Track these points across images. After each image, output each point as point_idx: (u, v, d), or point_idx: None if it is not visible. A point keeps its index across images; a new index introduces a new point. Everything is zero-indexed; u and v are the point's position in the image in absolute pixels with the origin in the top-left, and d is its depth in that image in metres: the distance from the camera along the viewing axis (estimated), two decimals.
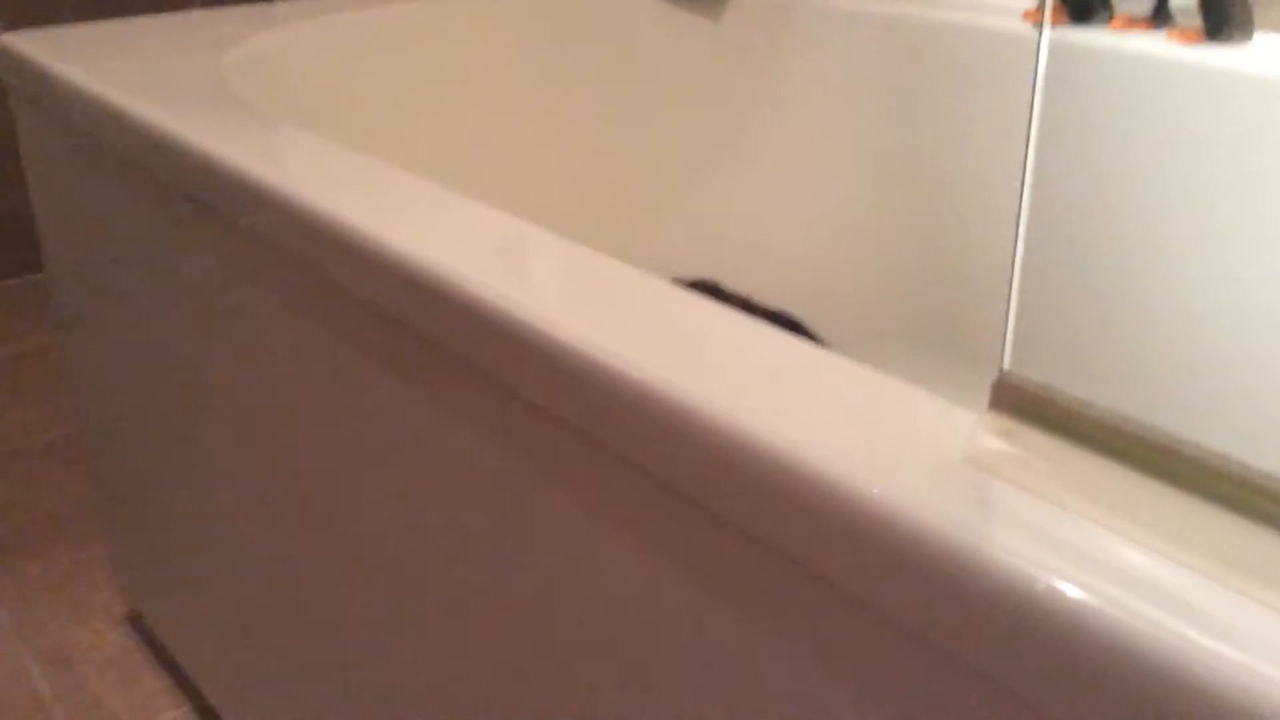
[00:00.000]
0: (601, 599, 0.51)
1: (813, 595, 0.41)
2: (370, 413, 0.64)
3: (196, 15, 1.07)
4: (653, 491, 0.46)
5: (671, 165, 1.26)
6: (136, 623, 1.21)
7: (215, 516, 0.89)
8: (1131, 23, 0.96)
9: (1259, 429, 0.69)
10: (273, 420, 0.75)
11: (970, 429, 0.39)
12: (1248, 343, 0.76)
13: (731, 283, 1.12)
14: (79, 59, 0.90)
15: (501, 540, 0.56)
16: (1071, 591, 0.32)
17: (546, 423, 0.51)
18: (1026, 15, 1.03)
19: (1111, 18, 0.96)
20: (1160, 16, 0.95)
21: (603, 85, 1.23)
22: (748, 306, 1.05)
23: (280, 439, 0.75)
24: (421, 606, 0.65)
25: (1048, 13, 0.98)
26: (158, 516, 1.01)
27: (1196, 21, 0.92)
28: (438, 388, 0.58)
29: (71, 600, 1.25)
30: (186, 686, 1.11)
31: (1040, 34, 0.94)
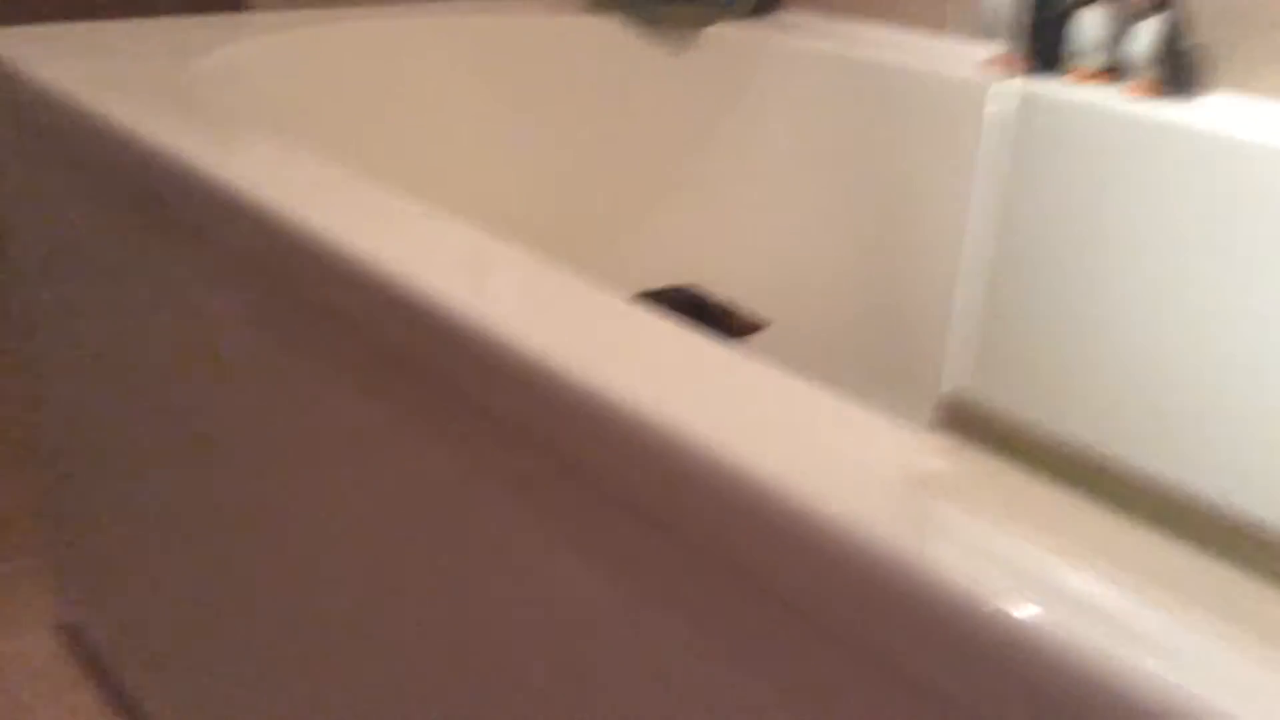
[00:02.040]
0: (553, 610, 0.51)
1: (755, 606, 0.41)
2: (327, 421, 0.64)
3: (165, 22, 1.07)
4: (601, 501, 0.46)
5: (641, 185, 1.27)
6: (69, 635, 1.18)
7: (166, 525, 0.88)
8: (1090, 75, 0.98)
9: (1201, 454, 0.71)
10: (229, 427, 0.75)
11: (914, 448, 0.39)
12: (1191, 371, 0.78)
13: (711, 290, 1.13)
14: (44, 59, 0.90)
15: (457, 549, 0.56)
16: (1010, 608, 0.33)
17: (505, 434, 0.51)
18: (984, 66, 1.05)
19: (1071, 69, 0.98)
20: (1118, 70, 0.97)
21: (572, 106, 1.24)
22: (726, 312, 1.06)
23: (236, 446, 0.74)
24: (376, 618, 0.64)
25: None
26: (108, 526, 0.99)
27: (1153, 75, 0.94)
28: (396, 396, 0.57)
29: (2, 608, 1.22)
30: (119, 701, 1.09)
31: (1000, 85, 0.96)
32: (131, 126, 0.75)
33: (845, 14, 1.21)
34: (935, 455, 0.39)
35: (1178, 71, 0.94)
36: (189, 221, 0.72)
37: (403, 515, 0.59)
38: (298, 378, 0.65)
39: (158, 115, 0.77)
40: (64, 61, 0.90)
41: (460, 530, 0.55)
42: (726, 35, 1.22)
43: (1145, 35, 0.93)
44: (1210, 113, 0.90)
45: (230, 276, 0.69)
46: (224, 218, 0.66)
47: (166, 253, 0.76)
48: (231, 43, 1.01)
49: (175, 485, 0.84)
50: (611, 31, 1.25)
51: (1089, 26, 0.96)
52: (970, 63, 1.06)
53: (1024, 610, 0.32)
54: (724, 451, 0.40)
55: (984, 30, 1.03)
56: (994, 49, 1.05)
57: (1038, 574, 0.34)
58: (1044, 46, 0.99)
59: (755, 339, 1.08)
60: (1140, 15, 0.94)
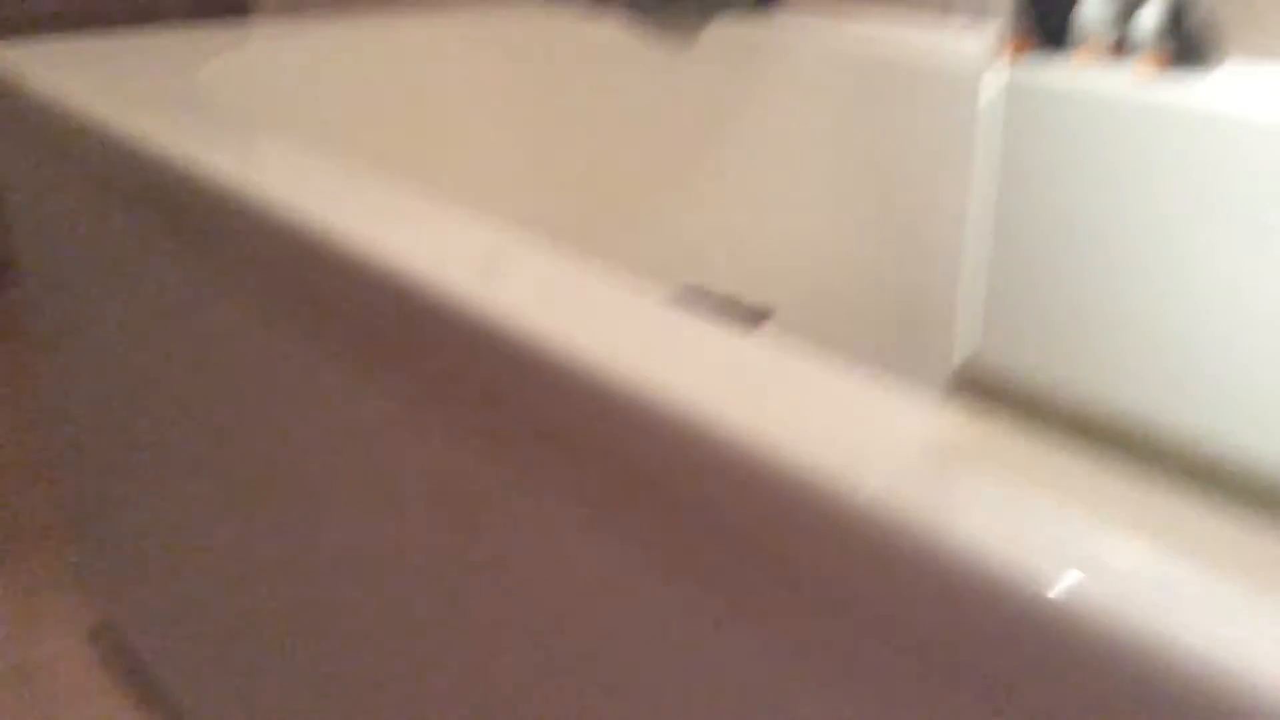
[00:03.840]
0: (575, 595, 0.51)
1: (777, 583, 0.41)
2: (342, 417, 0.64)
3: (171, 33, 1.08)
4: (622, 482, 0.46)
5: (645, 183, 1.27)
6: (101, 638, 1.19)
7: (192, 524, 0.88)
8: (1097, 52, 0.97)
9: (1226, 416, 0.70)
10: (246, 426, 0.75)
11: (932, 415, 0.39)
12: (1210, 337, 0.77)
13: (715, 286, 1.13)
14: (51, 73, 0.90)
15: (479, 543, 0.56)
16: (1040, 578, 0.33)
17: (523, 426, 0.51)
18: (992, 48, 1.04)
19: (1079, 47, 0.98)
20: (1126, 44, 0.97)
21: (574, 106, 1.24)
22: (731, 303, 1.07)
23: (255, 445, 0.75)
24: (405, 610, 0.64)
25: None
26: (133, 525, 1.00)
27: (1162, 49, 0.93)
28: (413, 395, 0.57)
29: (33, 614, 1.23)
30: (155, 700, 1.10)
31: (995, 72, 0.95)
32: (141, 135, 0.75)
33: (848, 4, 1.21)
34: (952, 425, 0.39)
35: (1186, 44, 0.93)
36: (202, 227, 0.72)
37: (425, 508, 0.59)
38: (316, 377, 0.65)
39: (167, 123, 0.77)
40: (71, 74, 0.90)
41: (490, 526, 0.55)
42: (728, 32, 1.22)
43: (1153, 8, 0.92)
44: (1208, 89, 0.90)
45: (245, 280, 0.69)
46: (238, 222, 0.66)
47: (180, 259, 0.76)
48: (238, 49, 1.01)
49: (199, 484, 0.84)
50: (612, 31, 1.25)
51: (1095, 3, 0.96)
52: (975, 46, 1.06)
53: (1059, 582, 0.32)
54: (742, 431, 0.40)
55: (988, 11, 1.03)
56: (1000, 30, 1.04)
57: (1071, 542, 0.33)
58: (1051, 25, 0.98)
59: (764, 327, 1.08)
60: None
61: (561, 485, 0.50)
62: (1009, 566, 0.33)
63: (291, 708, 0.80)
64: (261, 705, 0.85)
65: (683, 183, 1.27)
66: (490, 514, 0.54)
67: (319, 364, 0.64)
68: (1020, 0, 1.00)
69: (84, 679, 1.14)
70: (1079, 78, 0.90)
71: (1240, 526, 0.34)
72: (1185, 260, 0.79)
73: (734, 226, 1.24)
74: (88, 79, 0.89)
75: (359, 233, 0.58)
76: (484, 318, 0.50)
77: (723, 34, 1.22)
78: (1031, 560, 0.32)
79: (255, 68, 1.02)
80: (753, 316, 1.08)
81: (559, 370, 0.46)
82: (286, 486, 0.71)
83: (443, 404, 0.55)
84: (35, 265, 1.02)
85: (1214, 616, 0.30)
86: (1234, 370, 0.72)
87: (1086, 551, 0.33)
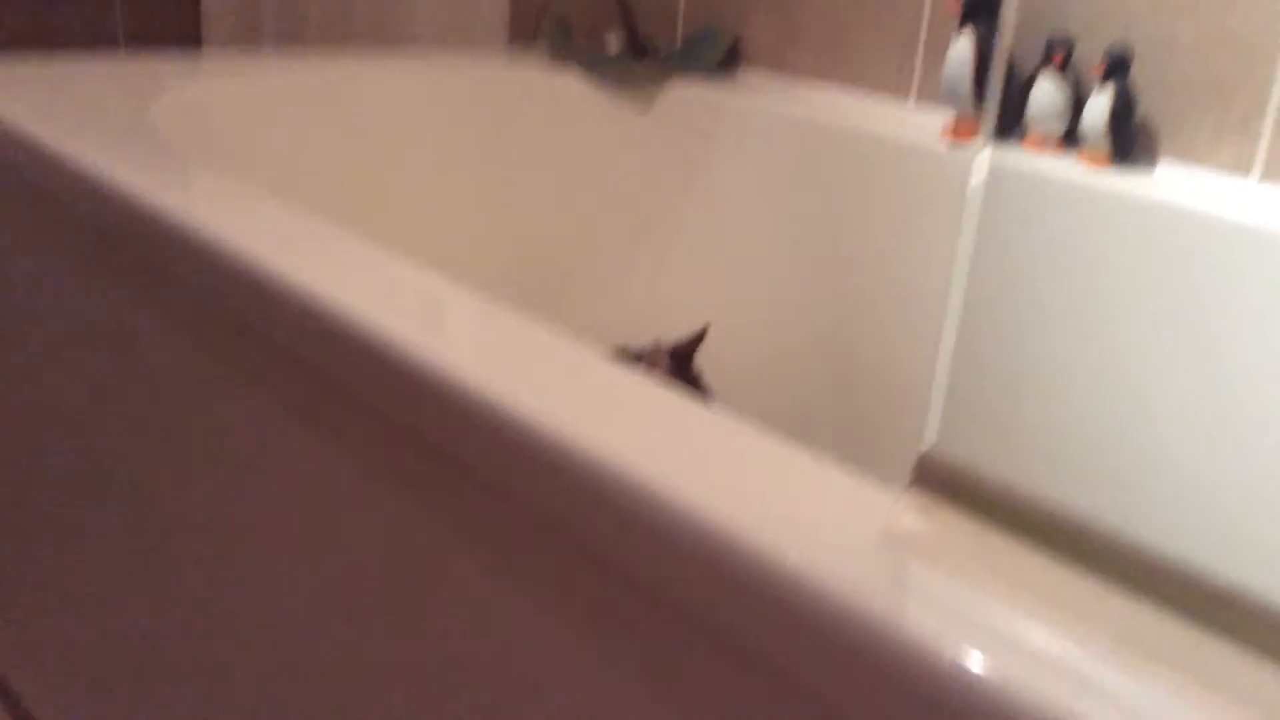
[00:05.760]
0: (520, 667, 0.50)
1: (722, 659, 0.40)
2: (273, 458, 0.62)
3: (123, 60, 1.06)
4: (558, 550, 0.45)
5: (601, 241, 1.27)
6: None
7: (93, 565, 0.85)
8: (1044, 143, 1.00)
9: (1178, 520, 0.72)
10: (171, 458, 0.73)
11: (890, 506, 0.39)
12: (1155, 431, 0.79)
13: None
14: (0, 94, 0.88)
15: (401, 588, 0.55)
16: (979, 667, 0.33)
17: (474, 487, 0.50)
18: (943, 133, 1.07)
19: (1025, 136, 1.00)
20: (1071, 139, 1.00)
21: (531, 159, 1.24)
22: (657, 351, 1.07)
23: (177, 477, 0.73)
24: (310, 651, 0.63)
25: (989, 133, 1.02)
26: (28, 550, 0.96)
27: (1105, 147, 0.96)
28: (342, 434, 0.56)
29: None
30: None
31: (981, 152, 0.98)
32: (89, 164, 0.73)
33: (807, 76, 1.23)
34: (908, 513, 0.39)
35: (1124, 142, 0.96)
36: (141, 259, 0.70)
37: (354, 551, 0.57)
38: (244, 414, 0.63)
39: (115, 154, 0.76)
40: (18, 96, 0.88)
41: (417, 571, 0.54)
42: (688, 95, 1.23)
43: (1098, 105, 0.95)
44: (1158, 183, 0.92)
45: (183, 315, 0.68)
46: (178, 256, 0.65)
47: (116, 290, 0.74)
48: (190, 82, 1.00)
49: (105, 519, 0.81)
50: (571, 85, 1.25)
51: (1045, 95, 0.98)
52: (929, 131, 1.08)
53: (984, 665, 0.32)
54: (697, 504, 0.40)
55: (944, 97, 1.05)
56: (953, 115, 1.06)
57: (1002, 630, 0.34)
58: (1005, 113, 1.01)
59: (723, 400, 1.08)
60: (1093, 85, 0.96)
61: (507, 548, 0.49)
62: (934, 645, 0.33)
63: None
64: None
65: (637, 243, 1.27)
66: (439, 574, 0.53)
67: (254, 400, 0.63)
68: (976, 89, 1.03)
69: None
70: (1050, 166, 0.92)
71: (1171, 624, 0.34)
72: (1141, 362, 0.81)
73: (690, 290, 1.25)
74: (36, 102, 0.87)
75: (296, 270, 0.57)
76: (424, 364, 0.49)
77: (682, 96, 1.24)
78: (964, 644, 0.32)
79: (207, 100, 1.00)
80: (692, 340, 1.09)
81: (506, 429, 0.46)
82: (210, 522, 0.69)
83: (378, 443, 0.54)
84: None
85: (1132, 708, 0.30)
86: (1166, 467, 0.74)
87: (1011, 637, 0.33)
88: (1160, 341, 0.82)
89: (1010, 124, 1.01)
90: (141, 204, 0.67)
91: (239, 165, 0.99)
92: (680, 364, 1.05)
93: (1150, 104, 0.97)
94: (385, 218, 1.12)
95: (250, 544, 0.66)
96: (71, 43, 2.01)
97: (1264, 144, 0.91)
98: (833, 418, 1.11)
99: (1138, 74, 0.97)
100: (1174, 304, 0.83)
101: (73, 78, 0.97)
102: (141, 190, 0.68)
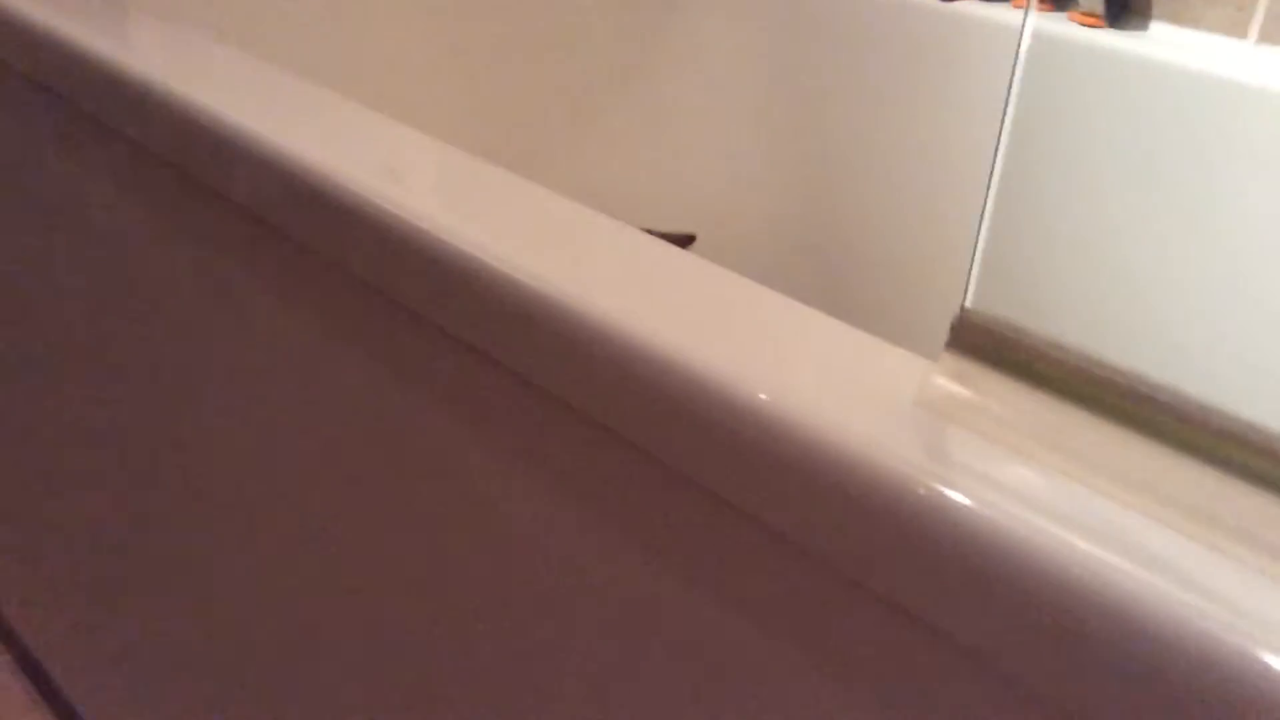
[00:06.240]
0: (525, 544, 0.49)
1: (752, 540, 0.39)
2: (246, 327, 0.60)
3: None
4: (588, 434, 0.44)
5: (570, 106, 1.23)
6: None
7: (73, 457, 0.83)
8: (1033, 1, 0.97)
9: (1227, 380, 0.73)
10: (143, 337, 0.70)
11: (925, 372, 0.38)
12: (1181, 284, 0.79)
13: (628, 217, 1.10)
14: None
15: (379, 458, 0.54)
16: (1026, 539, 0.32)
17: (446, 343, 0.48)
18: None
19: None
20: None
21: (505, 22, 1.19)
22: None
23: (150, 357, 0.70)
24: (294, 538, 0.62)
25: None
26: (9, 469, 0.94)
27: (1098, 6, 0.94)
28: (316, 299, 0.54)
29: None
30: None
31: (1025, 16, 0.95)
32: (44, 19, 0.68)
33: None
34: (949, 378, 0.38)
35: (1122, 4, 0.94)
36: (95, 116, 0.66)
37: (335, 428, 0.56)
38: (214, 282, 0.61)
39: (72, 8, 0.71)
40: None
41: (394, 438, 0.52)
42: None
43: None
44: (1154, 43, 0.90)
45: (140, 177, 0.64)
46: (136, 109, 0.61)
47: (72, 156, 0.70)
48: None
49: (83, 406, 0.79)
50: None
51: None
52: None
53: (1038, 541, 0.31)
54: (724, 376, 0.38)
55: None
56: None
57: (1055, 502, 0.33)
58: None
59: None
60: None
61: (512, 420, 0.47)
62: (983, 520, 0.32)
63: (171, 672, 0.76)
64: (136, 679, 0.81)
65: (616, 110, 1.23)
66: (411, 430, 0.52)
67: (225, 267, 0.60)
68: None
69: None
70: (1042, 24, 0.90)
71: (1218, 479, 0.34)
72: (1159, 218, 0.80)
73: (660, 155, 1.22)
74: None
75: (260, 123, 0.54)
76: (382, 210, 0.47)
77: None
78: (1007, 516, 0.32)
79: None
80: (677, 240, 1.07)
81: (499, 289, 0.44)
82: (182, 402, 0.67)
83: (353, 307, 0.52)
84: None
85: (1191, 579, 0.30)
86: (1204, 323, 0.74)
87: (1066, 511, 0.32)
88: (1163, 203, 0.82)
89: None
90: (80, 49, 0.63)
91: (187, 14, 0.94)
92: None
93: None
94: (358, 73, 1.07)
95: (221, 410, 0.64)
96: None
97: (1261, 7, 0.90)
98: (797, 265, 1.10)
99: None
100: (1175, 164, 0.83)
101: None
102: (83, 38, 0.64)
